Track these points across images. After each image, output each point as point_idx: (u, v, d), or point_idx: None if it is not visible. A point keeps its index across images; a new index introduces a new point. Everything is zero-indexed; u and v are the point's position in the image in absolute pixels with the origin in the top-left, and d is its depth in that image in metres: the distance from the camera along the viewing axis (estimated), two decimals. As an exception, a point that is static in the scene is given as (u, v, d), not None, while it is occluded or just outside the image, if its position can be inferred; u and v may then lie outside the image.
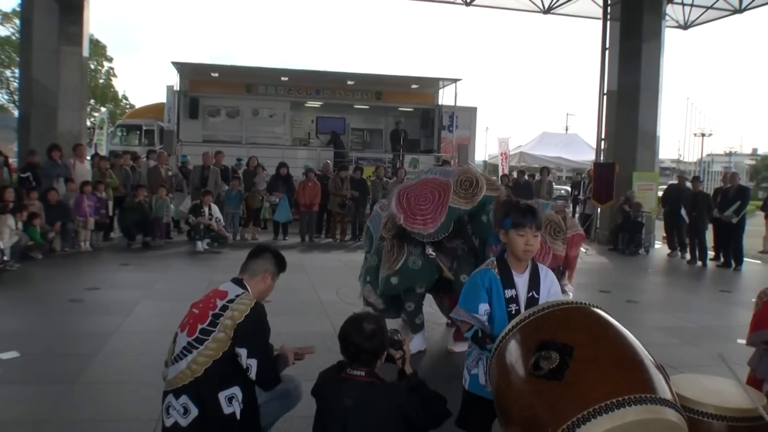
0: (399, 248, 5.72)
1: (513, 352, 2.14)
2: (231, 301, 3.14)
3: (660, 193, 15.21)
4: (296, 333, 5.96)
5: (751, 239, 14.88)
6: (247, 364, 3.04)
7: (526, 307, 2.92)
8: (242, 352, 3.05)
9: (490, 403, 2.26)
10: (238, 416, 3.06)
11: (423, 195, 5.51)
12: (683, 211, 12.77)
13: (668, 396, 1.91)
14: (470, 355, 3.11)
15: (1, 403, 4.36)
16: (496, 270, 3.01)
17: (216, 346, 3.05)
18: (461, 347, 5.63)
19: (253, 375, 3.06)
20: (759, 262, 13.27)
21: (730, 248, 12.24)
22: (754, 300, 3.61)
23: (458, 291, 4.91)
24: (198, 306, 3.21)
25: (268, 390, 3.22)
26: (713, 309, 8.63)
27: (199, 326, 3.09)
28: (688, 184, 13.58)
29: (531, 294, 3.00)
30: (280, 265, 3.44)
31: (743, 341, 5.94)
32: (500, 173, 20.76)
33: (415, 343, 5.69)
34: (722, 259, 12.33)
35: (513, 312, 2.92)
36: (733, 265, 12.01)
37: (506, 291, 2.98)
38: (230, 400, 3.06)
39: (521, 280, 3.01)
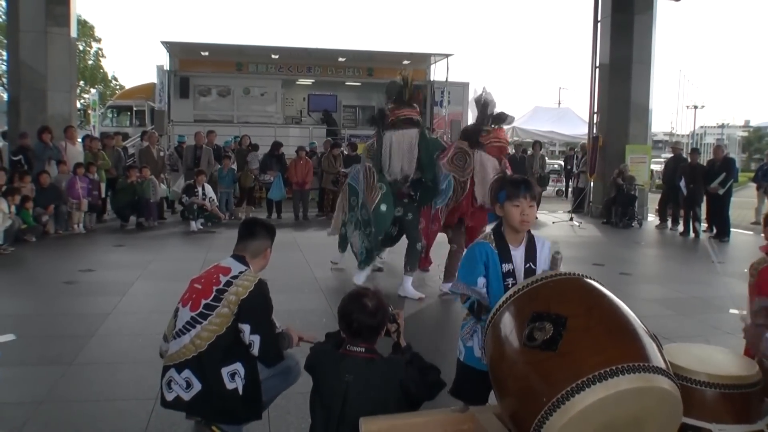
0: (373, 188, 7.03)
1: (507, 323, 2.15)
2: (235, 277, 3.15)
3: (653, 167, 15.24)
4: (292, 310, 5.99)
5: (743, 210, 14.95)
6: (249, 340, 3.06)
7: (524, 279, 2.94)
8: (245, 327, 3.07)
9: (486, 375, 2.28)
10: (241, 392, 3.08)
11: None
12: (682, 183, 12.78)
13: (661, 364, 1.92)
14: (465, 327, 3.14)
15: (0, 385, 4.37)
16: (493, 244, 3.02)
17: (220, 321, 3.07)
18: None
19: (255, 351, 3.08)
20: (751, 233, 13.33)
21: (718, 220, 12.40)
22: (746, 271, 3.64)
23: (406, 227, 7.19)
24: (200, 281, 3.21)
25: (271, 366, 3.23)
26: (706, 280, 8.67)
27: (203, 301, 3.10)
28: (684, 155, 13.70)
29: (528, 265, 3.01)
30: (273, 235, 3.47)
31: (736, 311, 5.99)
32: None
33: (360, 277, 7.33)
34: (714, 231, 12.45)
35: (510, 286, 2.93)
36: (721, 236, 12.13)
37: (503, 265, 2.99)
38: (232, 376, 3.08)
39: (518, 254, 3.02)
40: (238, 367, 3.10)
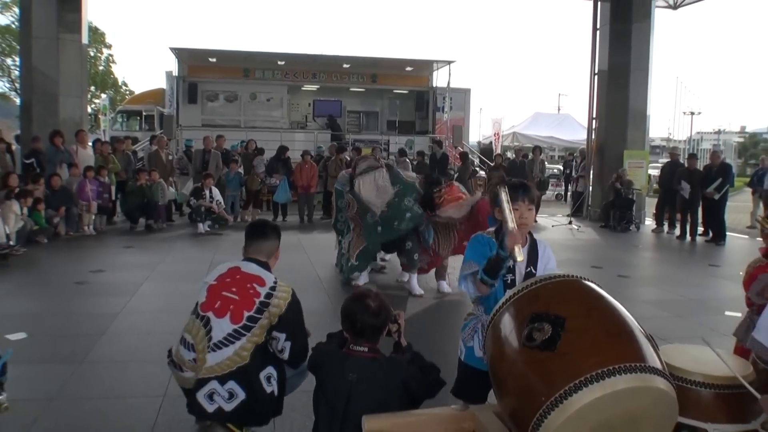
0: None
1: (507, 324, 2.15)
2: (273, 288, 3.14)
3: (651, 172, 15.24)
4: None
5: (739, 214, 14.93)
6: (282, 346, 3.09)
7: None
8: (281, 335, 3.09)
9: (485, 374, 2.28)
10: (276, 393, 3.13)
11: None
12: (684, 186, 12.69)
13: (657, 365, 1.92)
14: (466, 328, 3.15)
15: (12, 382, 4.37)
16: (495, 240, 3.02)
17: (260, 332, 3.08)
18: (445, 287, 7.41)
19: (286, 355, 3.11)
20: (746, 237, 13.31)
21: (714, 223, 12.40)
22: (741, 273, 3.66)
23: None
24: (229, 289, 3.16)
25: (296, 367, 3.26)
26: (702, 283, 8.67)
27: (246, 313, 3.08)
28: (681, 160, 13.75)
29: (529, 269, 3.01)
30: (280, 235, 3.48)
31: (731, 314, 6.00)
32: (495, 153, 20.82)
33: (361, 277, 7.62)
34: (711, 235, 12.43)
35: (509, 281, 2.95)
36: (717, 239, 12.14)
37: None
38: (269, 380, 3.11)
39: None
40: (271, 370, 3.13)
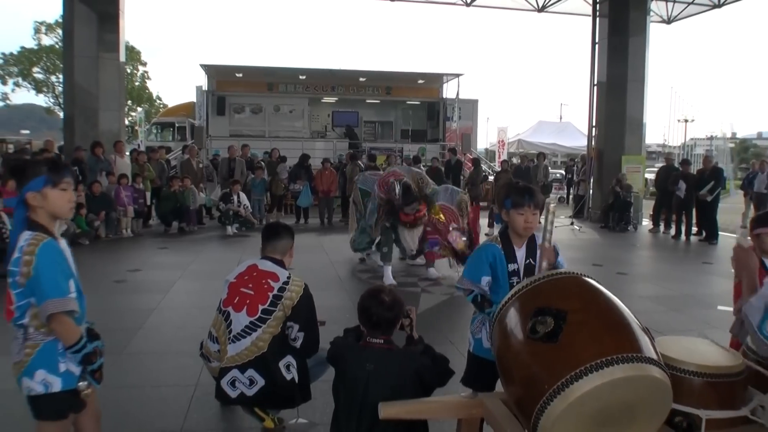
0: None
1: (512, 317, 2.15)
2: (286, 283, 3.20)
3: (647, 176, 15.13)
4: (317, 307, 6.00)
5: (732, 215, 14.76)
6: (295, 336, 3.16)
7: (525, 274, 2.94)
8: (295, 326, 3.16)
9: (493, 364, 2.28)
10: (297, 380, 3.18)
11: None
12: (680, 186, 12.54)
13: (653, 355, 1.91)
14: (474, 321, 3.15)
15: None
16: (500, 245, 3.02)
17: (276, 324, 3.14)
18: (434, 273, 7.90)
19: (298, 344, 3.17)
20: (737, 236, 13.13)
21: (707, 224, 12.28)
22: (732, 270, 3.62)
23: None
24: (247, 286, 3.21)
25: (308, 357, 3.31)
26: (696, 279, 8.59)
27: (260, 306, 3.15)
28: (676, 164, 13.74)
29: (528, 261, 3.01)
30: (293, 234, 3.53)
31: (724, 308, 5.93)
32: (497, 159, 20.77)
33: (387, 277, 7.59)
34: (704, 234, 12.32)
35: (515, 284, 2.92)
36: (710, 239, 12.03)
37: (509, 265, 2.99)
38: (288, 368, 3.18)
39: (520, 254, 3.02)
40: (290, 359, 3.19)
